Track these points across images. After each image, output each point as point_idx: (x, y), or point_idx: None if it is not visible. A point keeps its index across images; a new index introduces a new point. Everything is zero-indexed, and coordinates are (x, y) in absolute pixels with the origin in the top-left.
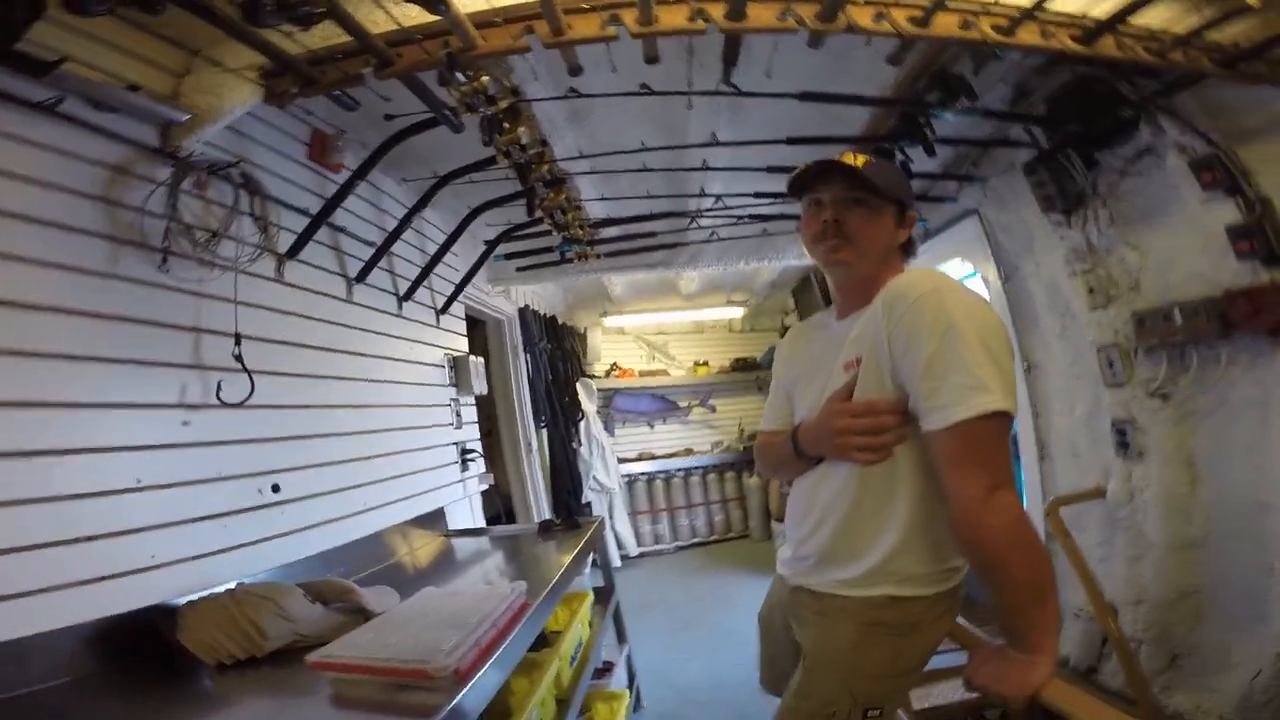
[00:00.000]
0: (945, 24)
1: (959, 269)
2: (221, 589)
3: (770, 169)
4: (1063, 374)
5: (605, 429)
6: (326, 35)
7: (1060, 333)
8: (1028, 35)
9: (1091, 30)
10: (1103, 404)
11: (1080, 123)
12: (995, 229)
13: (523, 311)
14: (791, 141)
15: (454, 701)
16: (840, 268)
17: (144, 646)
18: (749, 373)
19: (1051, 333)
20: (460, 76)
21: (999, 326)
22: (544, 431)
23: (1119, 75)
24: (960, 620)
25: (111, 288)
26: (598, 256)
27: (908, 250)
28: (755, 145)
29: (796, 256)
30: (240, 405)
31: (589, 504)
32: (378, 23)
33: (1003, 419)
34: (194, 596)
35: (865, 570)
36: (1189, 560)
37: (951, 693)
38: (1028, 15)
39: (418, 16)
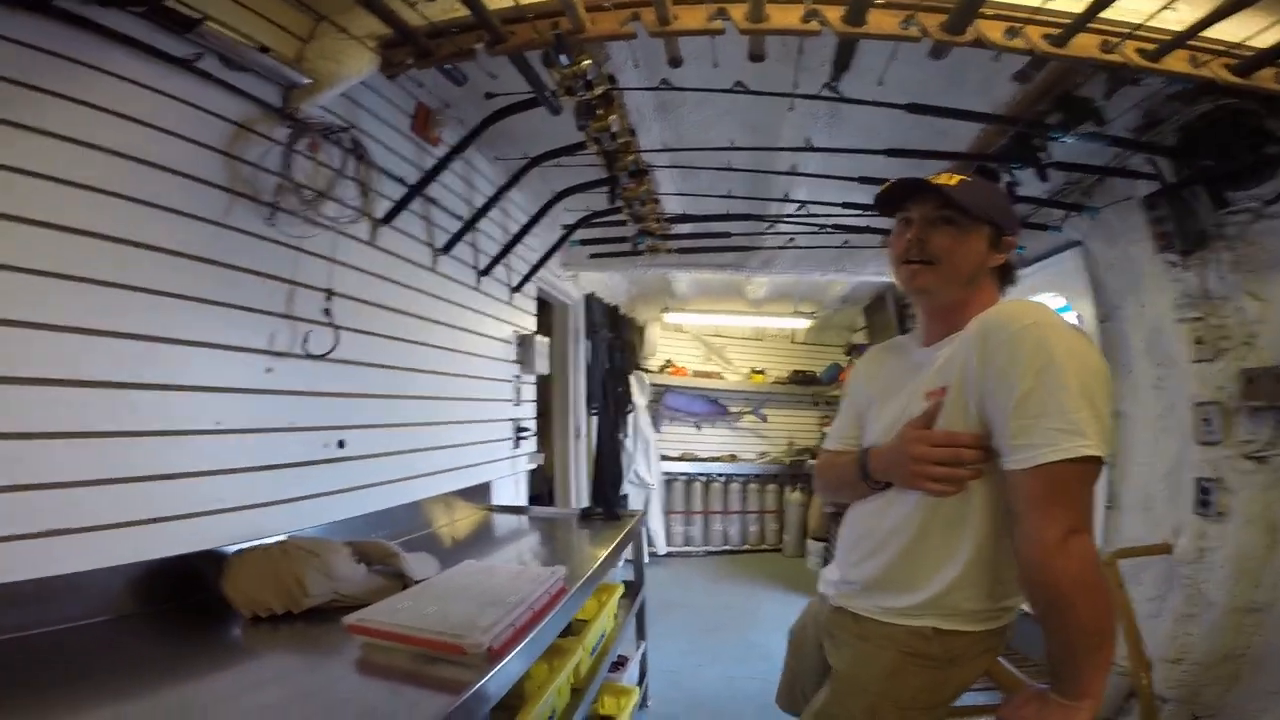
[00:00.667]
0: (1084, 44)
1: (1051, 304)
2: (272, 540)
3: (863, 179)
4: (1150, 426)
5: (652, 424)
6: (445, 9)
7: (1156, 382)
8: (1176, 62)
9: (1249, 61)
10: (1187, 460)
11: (1216, 157)
12: (1099, 264)
13: (588, 298)
14: (891, 153)
15: (483, 680)
16: (922, 295)
17: (186, 591)
18: (807, 386)
19: (1145, 382)
20: (564, 59)
21: (1102, 369)
22: (594, 419)
23: (1270, 109)
24: (1000, 660)
25: (221, 235)
26: (669, 252)
27: (1005, 277)
28: (851, 154)
29: (875, 272)
30: (322, 358)
31: (626, 496)
32: None
33: (1092, 465)
34: (245, 545)
35: (917, 602)
36: (1245, 624)
37: None
38: (1177, 43)
39: None
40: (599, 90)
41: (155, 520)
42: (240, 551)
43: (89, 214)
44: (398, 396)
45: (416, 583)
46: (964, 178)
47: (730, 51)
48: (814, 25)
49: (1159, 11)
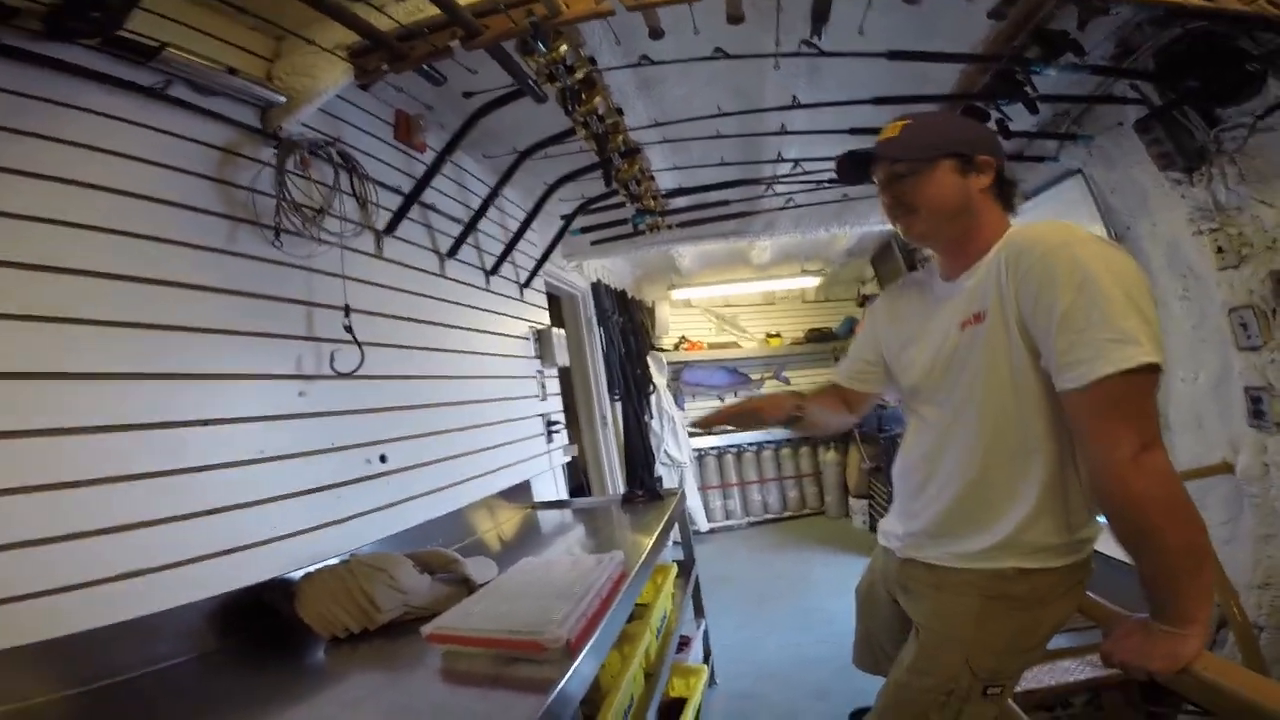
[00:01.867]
0: None
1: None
2: (334, 560)
3: (853, 130)
4: (1185, 337)
5: (675, 402)
6: (413, 9)
7: (1181, 294)
8: None
9: None
10: (1233, 370)
11: (1198, 78)
12: (1103, 189)
13: (595, 286)
14: (878, 101)
15: (566, 675)
16: (923, 240)
17: (261, 620)
18: (825, 344)
19: (1172, 294)
20: (541, 46)
21: (1139, 275)
22: (617, 405)
23: (1241, 29)
24: (1090, 594)
25: (230, 263)
26: (669, 227)
27: (1004, 195)
28: (838, 106)
29: (878, 222)
30: (351, 375)
31: (659, 478)
32: None
33: (1151, 373)
34: (309, 569)
35: (993, 543)
36: None
37: (1058, 674)
38: None
39: None
40: (580, 73)
41: (217, 554)
42: (308, 575)
43: (98, 255)
44: (429, 405)
45: (480, 586)
46: (906, 122)
47: (709, 18)
48: None
49: None
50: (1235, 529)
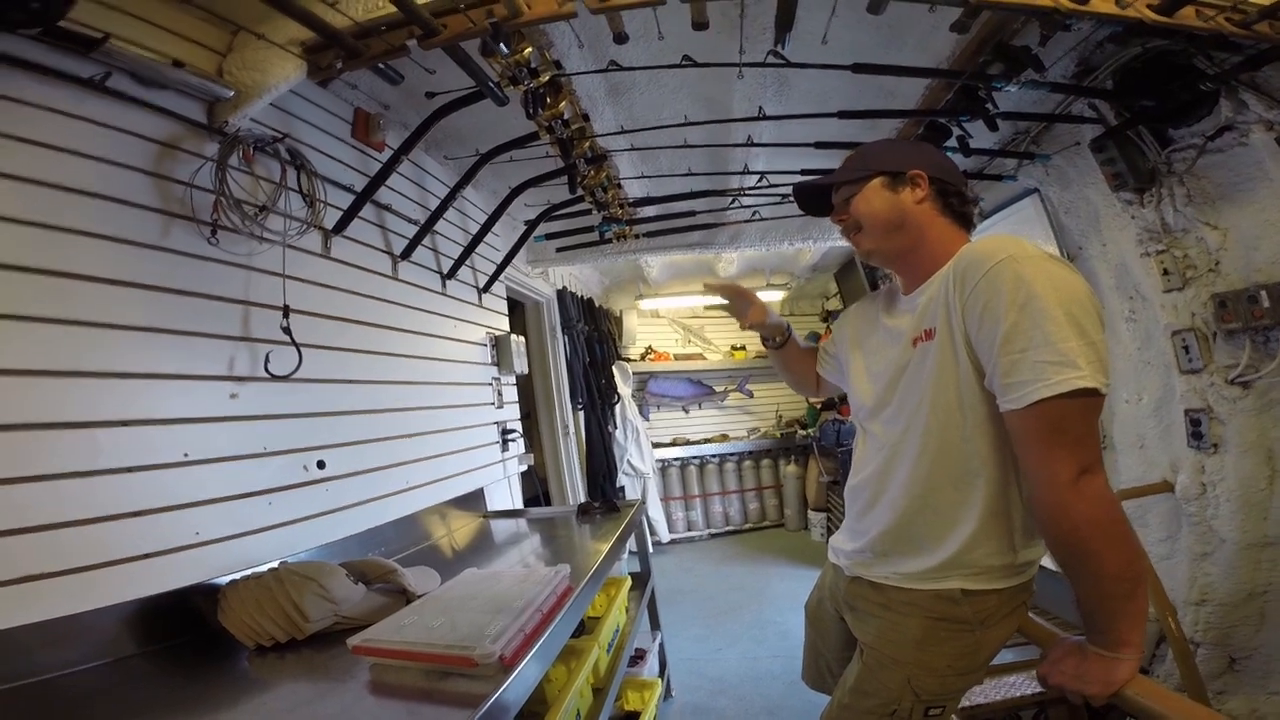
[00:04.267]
0: None
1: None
2: (264, 568)
3: (819, 144)
4: (1130, 359)
5: (640, 413)
6: (369, 8)
7: (1129, 315)
8: (1103, 4)
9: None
10: (1175, 392)
11: (1154, 98)
12: (1058, 208)
13: (561, 293)
14: (843, 115)
15: (499, 692)
16: (871, 256)
17: (183, 627)
18: None
19: (1119, 316)
20: (503, 48)
21: (1086, 295)
22: (580, 414)
23: (1196, 48)
24: (1030, 615)
25: (162, 260)
26: (636, 237)
27: (953, 210)
28: (805, 119)
29: (841, 237)
30: (287, 378)
31: (622, 488)
32: None
33: (1092, 397)
34: (236, 575)
35: (937, 563)
36: (1261, 559)
37: (1004, 689)
38: None
39: None
40: (545, 77)
41: (136, 558)
42: (232, 583)
43: (18, 248)
44: (375, 411)
45: (419, 597)
46: (849, 156)
47: (674, 24)
48: None
49: None
50: (1174, 546)
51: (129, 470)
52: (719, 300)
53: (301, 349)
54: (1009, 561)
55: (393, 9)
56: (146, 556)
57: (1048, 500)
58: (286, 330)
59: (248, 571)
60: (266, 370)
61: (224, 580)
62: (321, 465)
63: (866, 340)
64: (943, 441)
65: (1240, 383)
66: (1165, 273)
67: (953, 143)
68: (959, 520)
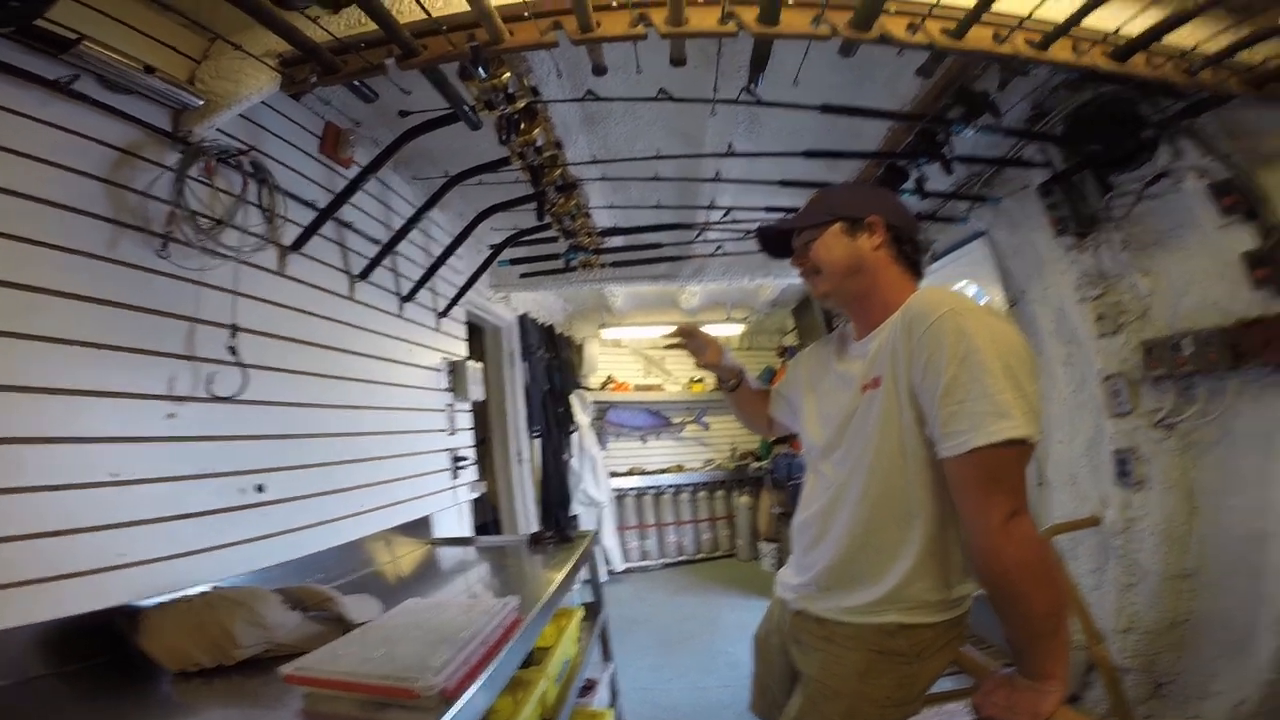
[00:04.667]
0: (979, 37)
1: (966, 292)
2: (194, 591)
3: (784, 182)
4: (1065, 402)
5: (598, 442)
6: (351, 24)
7: (1065, 360)
8: (1060, 51)
9: (1124, 48)
10: (1105, 433)
11: (1100, 143)
12: (1004, 252)
13: (522, 319)
14: (809, 155)
15: None
16: (827, 299)
17: (104, 649)
18: None
19: (1056, 360)
20: (482, 72)
21: (1023, 349)
22: (536, 441)
23: (1144, 95)
24: (965, 647)
25: (106, 271)
26: (602, 266)
27: (906, 257)
28: (771, 157)
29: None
30: (231, 400)
31: (576, 517)
32: (404, 12)
33: (1023, 446)
34: (163, 598)
35: (876, 598)
36: (1182, 589)
37: (942, 718)
38: (1062, 31)
39: (445, 6)
40: (521, 103)
41: (53, 578)
42: (159, 605)
43: None
44: (321, 435)
45: (358, 626)
46: (813, 197)
47: (653, 58)
48: (731, 27)
49: (1043, 2)
50: (1102, 577)
51: (52, 489)
52: (676, 341)
53: (248, 370)
54: (944, 597)
55: (374, 27)
56: (64, 577)
57: (981, 544)
58: (232, 350)
59: (176, 595)
60: (208, 391)
61: (149, 603)
62: (261, 489)
63: (819, 384)
64: (886, 484)
65: (1164, 425)
66: (1100, 318)
67: (910, 185)
68: (898, 557)
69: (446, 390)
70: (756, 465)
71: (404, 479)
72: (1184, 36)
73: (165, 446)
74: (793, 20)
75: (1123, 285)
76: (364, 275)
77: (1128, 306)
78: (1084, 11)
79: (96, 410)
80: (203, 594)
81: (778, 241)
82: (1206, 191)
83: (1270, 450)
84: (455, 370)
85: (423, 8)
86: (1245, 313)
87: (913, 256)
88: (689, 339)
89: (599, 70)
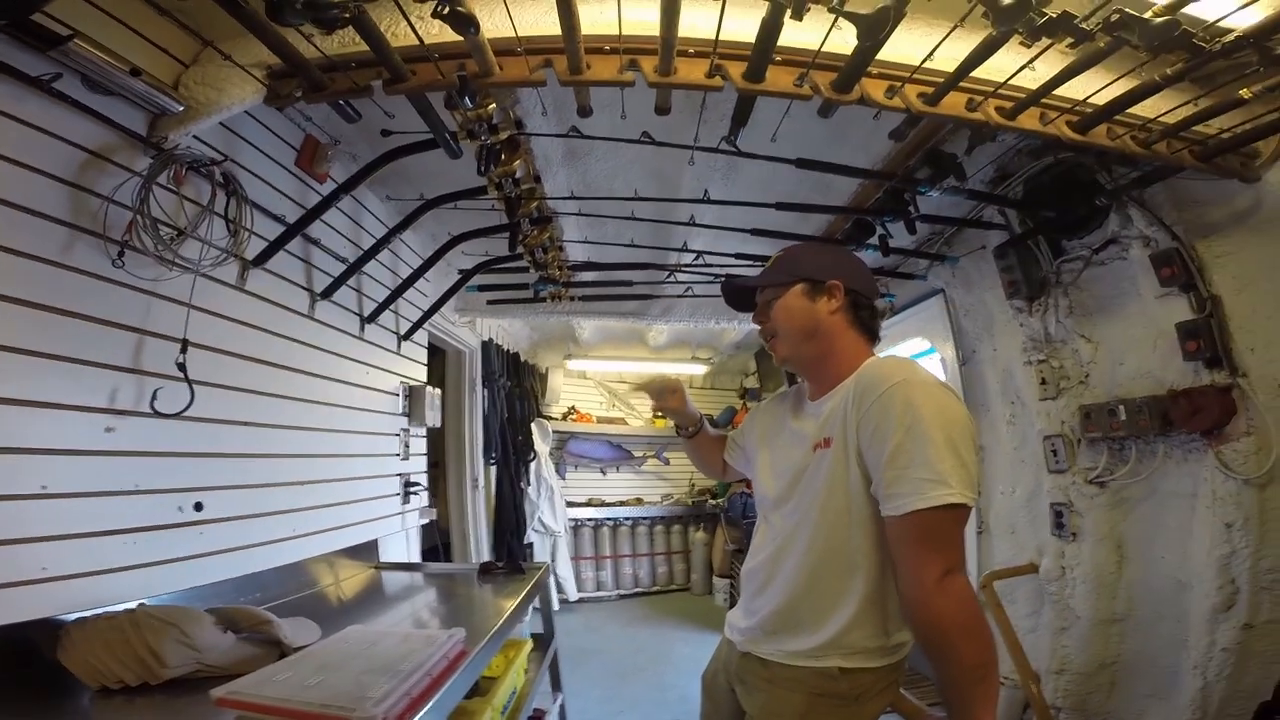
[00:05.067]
0: (953, 103)
1: (918, 347)
2: (119, 608)
3: (755, 231)
4: (1008, 457)
5: (557, 471)
6: (343, 43)
7: (1009, 419)
8: (1028, 120)
9: (1089, 117)
10: (1043, 487)
11: (1055, 208)
12: (959, 311)
13: (486, 345)
14: (780, 207)
15: None
16: (786, 362)
17: (21, 663)
18: None
19: (1001, 418)
20: (468, 101)
21: (964, 421)
22: (493, 468)
23: (1102, 163)
24: (902, 690)
25: (56, 277)
26: (572, 299)
27: (862, 322)
28: (744, 206)
29: None
30: (175, 416)
31: (530, 545)
32: (398, 35)
33: (959, 510)
34: (86, 614)
35: (819, 643)
36: (1111, 634)
37: None
38: (1032, 101)
39: (439, 34)
40: (504, 135)
41: None
42: (80, 620)
43: None
44: (268, 455)
45: (295, 650)
46: (780, 255)
47: (638, 103)
48: (717, 81)
49: (1019, 71)
50: (1038, 621)
51: None
52: (644, 387)
53: (196, 386)
54: (882, 644)
55: (365, 47)
56: None
57: (916, 597)
58: (181, 366)
59: (102, 610)
60: (151, 406)
61: (71, 618)
62: (199, 507)
63: (774, 439)
64: (830, 537)
65: (1098, 482)
66: (1043, 382)
67: (875, 241)
68: (840, 606)
69: (402, 415)
70: (714, 502)
71: (353, 502)
72: (1146, 107)
73: (100, 460)
74: (777, 78)
75: (1065, 351)
76: (327, 294)
77: (1069, 372)
78: (1057, 81)
79: (32, 421)
80: (128, 612)
81: (741, 295)
82: (1149, 261)
83: (1193, 508)
84: (413, 395)
85: (416, 34)
86: (1176, 383)
87: (869, 322)
88: (658, 389)
89: (584, 112)
